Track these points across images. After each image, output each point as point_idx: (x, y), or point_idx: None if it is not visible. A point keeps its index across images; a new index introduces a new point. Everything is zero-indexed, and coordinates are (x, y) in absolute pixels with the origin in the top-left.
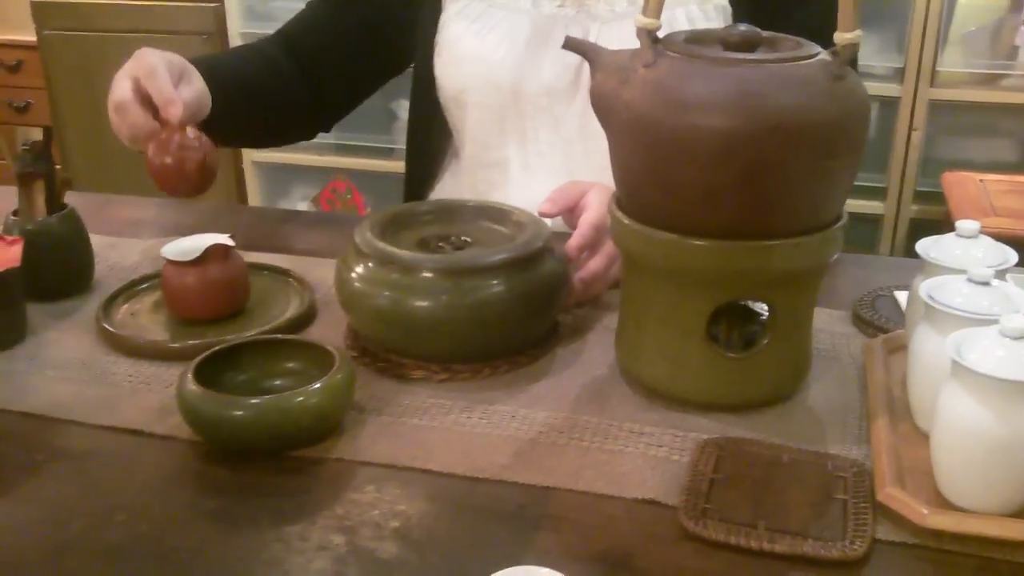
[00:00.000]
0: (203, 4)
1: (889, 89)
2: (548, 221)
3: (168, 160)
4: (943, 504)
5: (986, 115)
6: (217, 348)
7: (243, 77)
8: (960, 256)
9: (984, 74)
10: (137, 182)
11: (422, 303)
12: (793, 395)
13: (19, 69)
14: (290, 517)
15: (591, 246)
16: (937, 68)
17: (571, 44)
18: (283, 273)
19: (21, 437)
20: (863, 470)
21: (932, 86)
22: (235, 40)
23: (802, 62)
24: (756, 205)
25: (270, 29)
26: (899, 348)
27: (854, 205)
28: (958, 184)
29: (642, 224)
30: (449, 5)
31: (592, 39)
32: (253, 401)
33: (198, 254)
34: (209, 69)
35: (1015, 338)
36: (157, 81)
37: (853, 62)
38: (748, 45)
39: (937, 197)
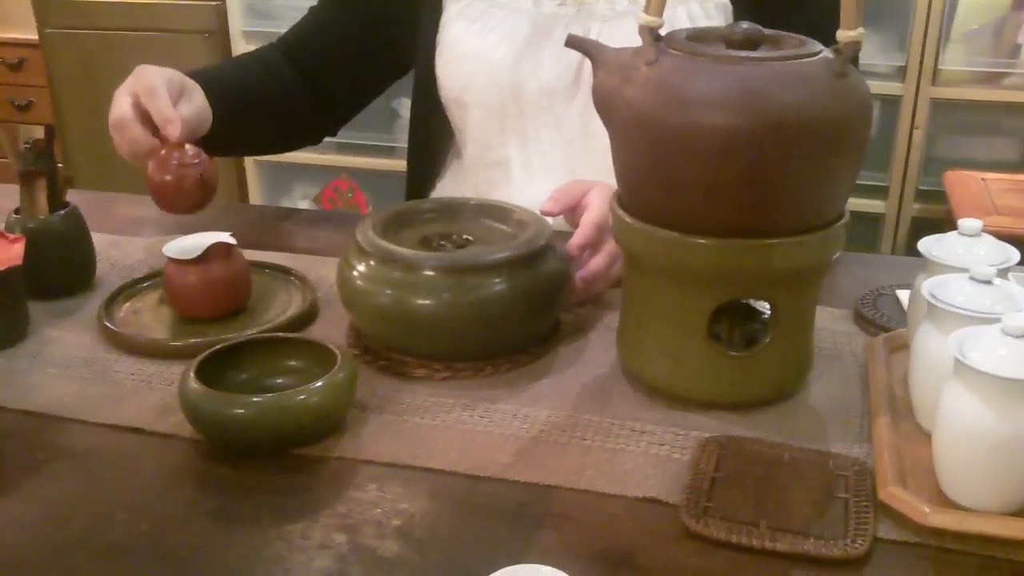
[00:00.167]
0: (205, 2)
1: (891, 88)
2: (550, 220)
3: (167, 177)
4: (945, 503)
5: (988, 114)
6: (219, 346)
7: (244, 86)
8: (962, 255)
9: (986, 72)
10: (138, 181)
11: (424, 301)
12: (795, 394)
13: (21, 67)
14: (292, 515)
15: (593, 245)
16: (939, 66)
17: (573, 42)
18: (285, 271)
19: (23, 435)
20: (865, 469)
21: (934, 85)
22: (236, 38)
23: (804, 60)
24: (758, 203)
25: (271, 27)
26: (901, 347)
27: (856, 204)
28: (960, 183)
29: (644, 222)
30: (450, 5)
31: (593, 38)
32: (255, 399)
33: (200, 252)
34: (209, 82)
35: (1017, 337)
36: (156, 100)
37: (855, 60)
38: (751, 43)
39: (939, 196)
